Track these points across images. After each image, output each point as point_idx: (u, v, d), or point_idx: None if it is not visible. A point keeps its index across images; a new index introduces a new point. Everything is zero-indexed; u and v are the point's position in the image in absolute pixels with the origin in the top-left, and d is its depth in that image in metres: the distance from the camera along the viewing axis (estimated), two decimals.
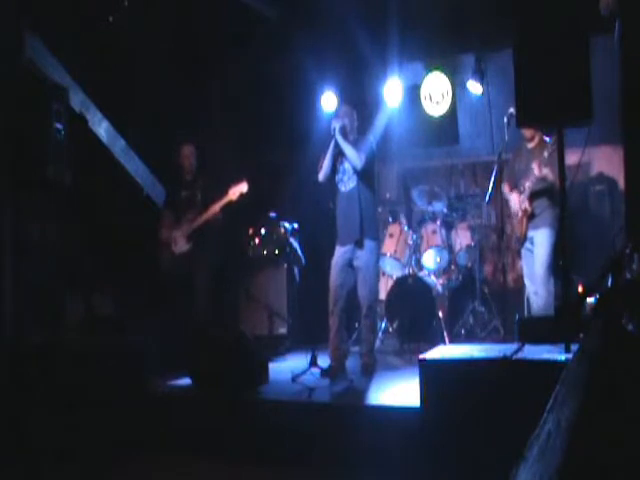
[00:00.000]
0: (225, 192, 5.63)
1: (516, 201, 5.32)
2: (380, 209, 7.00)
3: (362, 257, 5.08)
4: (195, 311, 5.63)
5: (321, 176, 5.20)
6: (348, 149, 5.06)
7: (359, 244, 5.07)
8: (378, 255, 5.40)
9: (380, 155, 5.44)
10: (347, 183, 5.15)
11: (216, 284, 5.94)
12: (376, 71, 7.08)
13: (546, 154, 4.95)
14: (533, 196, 5.19)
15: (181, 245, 5.72)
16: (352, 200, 5.11)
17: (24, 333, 4.84)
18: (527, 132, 5.27)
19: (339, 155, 5.17)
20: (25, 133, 4.66)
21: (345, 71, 7.09)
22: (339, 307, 5.08)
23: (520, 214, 5.28)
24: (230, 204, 5.67)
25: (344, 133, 5.12)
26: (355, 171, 5.10)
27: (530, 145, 5.32)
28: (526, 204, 5.21)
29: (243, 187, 5.63)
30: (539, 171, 5.04)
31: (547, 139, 5.21)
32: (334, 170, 5.20)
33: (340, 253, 5.13)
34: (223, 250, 6.16)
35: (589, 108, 3.48)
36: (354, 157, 5.05)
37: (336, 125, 5.08)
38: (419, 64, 7.36)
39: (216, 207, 5.64)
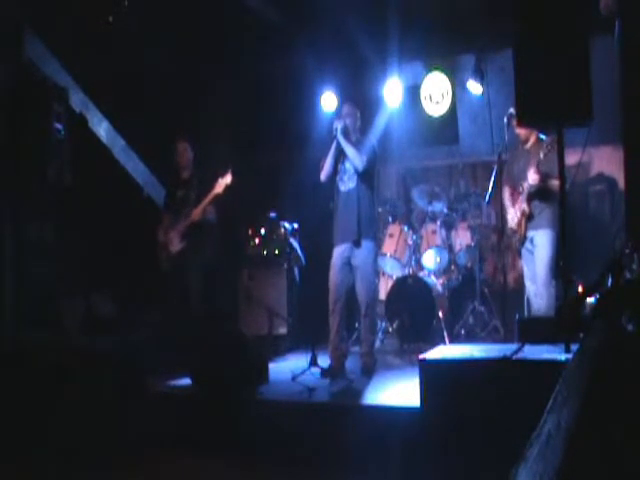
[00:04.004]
0: (213, 186, 5.60)
1: (513, 216, 5.31)
2: (380, 209, 7.00)
3: (360, 256, 5.08)
4: (188, 311, 5.62)
5: (323, 176, 5.20)
6: (350, 150, 5.06)
7: (356, 243, 5.07)
8: (376, 254, 5.41)
9: (380, 155, 5.43)
10: (347, 183, 5.15)
11: (213, 284, 5.93)
12: (376, 71, 7.08)
13: (542, 154, 4.94)
14: (531, 198, 5.18)
15: (176, 244, 5.70)
16: (351, 200, 5.11)
17: (24, 333, 4.85)
18: (522, 133, 5.25)
19: (340, 155, 5.17)
20: (25, 133, 4.67)
21: (345, 71, 7.09)
22: (339, 307, 5.08)
23: (519, 215, 5.27)
24: (218, 197, 5.61)
25: (346, 133, 5.12)
26: (356, 171, 5.10)
27: (527, 146, 5.31)
28: (524, 205, 5.20)
29: (227, 179, 5.55)
30: (532, 176, 5.03)
31: (542, 136, 5.20)
32: (335, 170, 5.20)
33: (338, 253, 5.13)
34: (218, 250, 6.14)
35: (589, 108, 3.47)
36: (356, 158, 5.05)
37: (338, 125, 5.08)
38: (419, 64, 7.36)
39: (204, 203, 5.61)
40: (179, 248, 5.69)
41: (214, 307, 6.10)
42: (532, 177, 5.03)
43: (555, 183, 4.99)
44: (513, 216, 5.33)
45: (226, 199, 5.70)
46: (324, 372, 5.01)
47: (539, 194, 5.14)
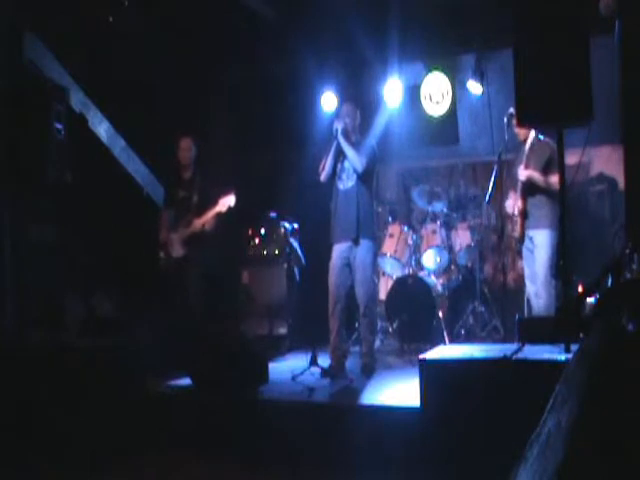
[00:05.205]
0: (216, 202, 5.62)
1: (510, 205, 5.34)
2: (380, 209, 7.00)
3: (359, 256, 5.09)
4: (188, 311, 5.62)
5: (323, 177, 5.22)
6: (350, 152, 5.07)
7: (355, 242, 5.07)
8: (375, 254, 5.41)
9: (380, 155, 5.43)
10: (346, 182, 5.16)
11: (213, 285, 5.93)
12: (376, 71, 7.07)
13: (527, 148, 5.02)
14: (524, 194, 5.19)
15: (177, 249, 5.70)
16: (350, 198, 5.12)
17: (24, 333, 4.84)
18: (521, 133, 5.26)
19: (340, 154, 5.17)
20: (25, 133, 4.66)
21: (345, 71, 7.09)
22: (339, 307, 5.09)
23: (516, 212, 5.28)
24: (219, 215, 5.67)
25: (346, 134, 5.12)
26: (355, 172, 5.11)
27: (525, 146, 5.32)
28: (519, 202, 5.21)
29: (231, 200, 5.60)
30: (520, 172, 5.09)
31: (541, 137, 5.21)
32: (334, 170, 5.21)
33: (338, 253, 5.14)
34: (219, 251, 6.14)
35: (589, 108, 3.47)
36: (356, 160, 5.06)
37: (338, 126, 5.08)
38: (419, 64, 7.36)
39: (206, 217, 5.62)
40: (181, 254, 5.70)
41: (214, 307, 6.10)
42: (520, 173, 5.10)
43: (540, 178, 5.04)
44: (509, 205, 5.37)
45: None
46: (324, 372, 5.01)
47: (529, 189, 5.16)
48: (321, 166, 5.22)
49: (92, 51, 5.73)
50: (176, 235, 5.72)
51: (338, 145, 5.11)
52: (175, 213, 5.80)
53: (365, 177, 5.14)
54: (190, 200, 5.74)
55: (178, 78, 6.40)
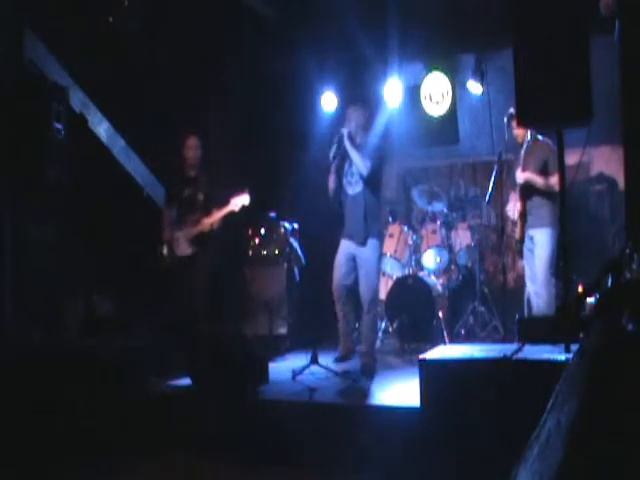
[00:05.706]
0: (227, 202, 5.63)
1: (511, 209, 5.37)
2: None
3: (364, 253, 5.11)
4: (192, 312, 5.62)
5: (331, 192, 5.24)
6: (356, 156, 5.07)
7: (363, 243, 5.10)
8: (380, 253, 5.42)
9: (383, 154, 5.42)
10: (354, 186, 5.17)
11: (216, 284, 5.93)
12: (376, 71, 7.08)
13: (522, 152, 5.03)
14: (523, 197, 5.20)
15: (184, 248, 5.71)
16: (357, 203, 5.14)
17: (24, 333, 4.84)
18: (519, 135, 5.27)
19: (346, 157, 5.18)
20: (25, 133, 4.66)
21: (345, 71, 7.10)
22: (343, 299, 5.12)
23: (517, 214, 5.29)
24: (231, 214, 5.69)
25: (352, 138, 5.13)
26: (361, 175, 5.12)
27: (523, 148, 5.32)
28: (518, 205, 5.22)
29: (245, 199, 5.64)
30: (517, 174, 5.14)
31: (539, 137, 5.22)
32: (340, 174, 5.21)
33: (344, 248, 5.17)
34: (223, 251, 6.15)
35: (589, 108, 3.47)
36: (361, 164, 5.06)
37: (344, 132, 5.09)
38: (419, 64, 7.36)
39: (217, 216, 5.65)
40: (187, 253, 5.70)
41: (217, 307, 6.10)
42: (518, 175, 5.16)
43: (539, 180, 5.05)
44: (510, 209, 5.40)
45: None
46: (337, 358, 5.11)
47: (528, 192, 5.18)
48: (328, 174, 5.23)
49: (92, 51, 5.72)
50: (182, 233, 5.72)
51: (344, 151, 5.12)
52: (178, 211, 5.79)
53: (372, 180, 5.15)
54: (195, 199, 5.75)
55: (178, 78, 6.39)
